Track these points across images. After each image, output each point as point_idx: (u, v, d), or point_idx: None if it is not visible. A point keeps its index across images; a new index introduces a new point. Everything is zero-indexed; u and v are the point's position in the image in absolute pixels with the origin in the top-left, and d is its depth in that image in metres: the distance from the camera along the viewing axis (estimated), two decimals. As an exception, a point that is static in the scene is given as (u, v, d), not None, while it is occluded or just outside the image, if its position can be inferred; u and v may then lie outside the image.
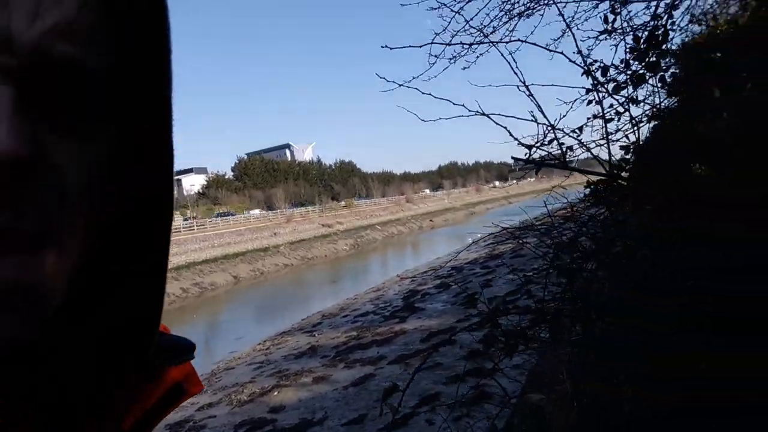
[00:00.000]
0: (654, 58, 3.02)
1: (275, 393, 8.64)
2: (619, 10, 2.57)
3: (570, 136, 2.49)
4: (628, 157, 4.17)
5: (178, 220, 52.59)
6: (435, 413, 6.39)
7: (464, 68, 3.32)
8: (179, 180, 78.35)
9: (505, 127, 2.44)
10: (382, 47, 2.88)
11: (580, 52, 2.48)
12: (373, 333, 11.55)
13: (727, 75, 2.56)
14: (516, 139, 2.46)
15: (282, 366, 10.31)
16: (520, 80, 2.44)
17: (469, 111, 2.49)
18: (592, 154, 2.71)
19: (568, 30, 2.68)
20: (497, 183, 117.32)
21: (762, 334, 1.65)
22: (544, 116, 2.46)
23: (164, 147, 0.33)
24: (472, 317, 11.06)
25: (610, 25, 2.57)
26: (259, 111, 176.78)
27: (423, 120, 2.74)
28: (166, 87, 0.32)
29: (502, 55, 2.50)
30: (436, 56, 3.18)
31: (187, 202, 63.71)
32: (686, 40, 3.86)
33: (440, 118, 2.71)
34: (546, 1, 3.14)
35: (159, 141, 0.33)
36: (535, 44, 2.79)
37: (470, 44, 3.23)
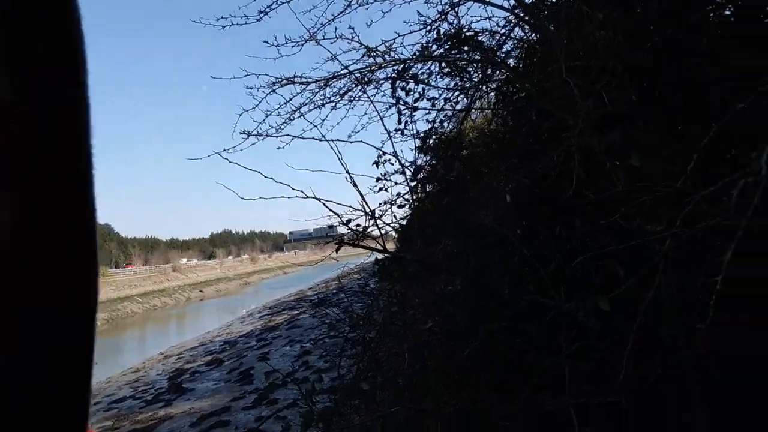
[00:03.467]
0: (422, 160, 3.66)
1: None
2: (406, 116, 3.09)
3: (366, 217, 2.81)
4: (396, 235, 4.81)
5: None
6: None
7: (279, 148, 3.51)
8: None
9: (334, 212, 2.66)
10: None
11: (374, 146, 2.89)
12: (132, 421, 10.20)
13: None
14: (343, 222, 2.68)
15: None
16: (344, 169, 2.72)
17: (301, 194, 2.65)
18: (380, 232, 3.09)
19: (367, 124, 3.11)
20: (280, 252, 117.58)
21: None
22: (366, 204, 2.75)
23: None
24: (249, 394, 10.70)
25: (403, 126, 3.05)
26: None
27: (243, 198, 2.80)
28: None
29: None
30: (247, 133, 3.31)
31: None
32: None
33: (261, 197, 2.81)
34: (351, 96, 3.56)
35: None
36: (335, 140, 3.13)
37: (263, 135, 3.47)
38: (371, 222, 2.89)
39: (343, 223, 2.80)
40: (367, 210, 2.90)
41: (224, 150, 3.21)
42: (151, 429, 9.54)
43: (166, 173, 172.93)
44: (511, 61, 3.11)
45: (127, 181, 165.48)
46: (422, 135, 3.20)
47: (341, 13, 3.41)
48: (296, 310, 25.19)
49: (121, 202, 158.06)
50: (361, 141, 3.13)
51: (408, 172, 3.07)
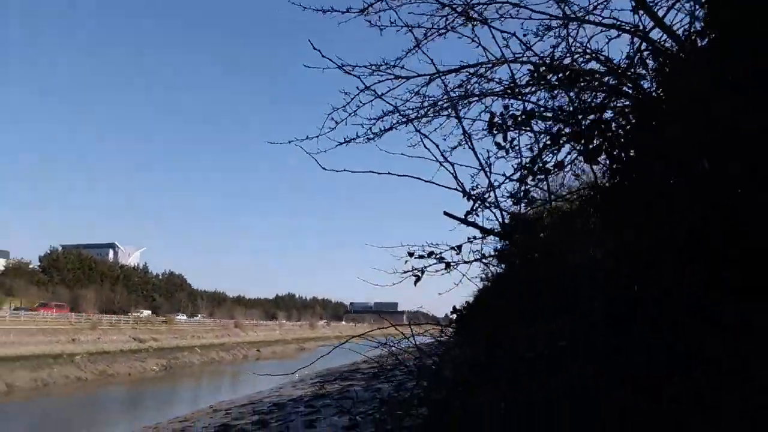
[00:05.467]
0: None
1: None
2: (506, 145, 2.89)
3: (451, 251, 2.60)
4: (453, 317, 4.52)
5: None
6: None
7: (369, 139, 3.41)
8: (-30, 259, 66.34)
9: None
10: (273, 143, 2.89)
11: (458, 180, 2.72)
12: (171, 471, 9.95)
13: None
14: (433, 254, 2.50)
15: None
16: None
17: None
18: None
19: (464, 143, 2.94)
20: (343, 321, 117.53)
21: None
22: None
23: None
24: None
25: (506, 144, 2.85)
26: (88, 201, 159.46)
27: (324, 168, 2.73)
28: None
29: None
30: (335, 121, 3.27)
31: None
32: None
33: (345, 170, 2.73)
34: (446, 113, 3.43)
35: None
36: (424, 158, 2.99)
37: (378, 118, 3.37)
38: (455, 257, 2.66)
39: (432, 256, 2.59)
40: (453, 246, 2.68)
41: (317, 151, 3.14)
42: (188, 482, 9.22)
43: (240, 229, 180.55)
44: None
45: (202, 232, 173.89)
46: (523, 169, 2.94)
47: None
48: (348, 380, 24.49)
49: (194, 253, 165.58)
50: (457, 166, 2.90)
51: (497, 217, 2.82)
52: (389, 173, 2.81)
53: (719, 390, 1.83)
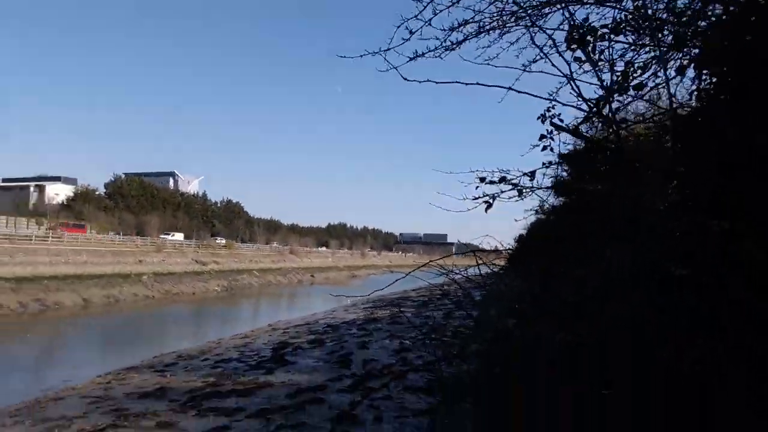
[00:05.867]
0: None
1: (109, 434, 7.48)
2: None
3: (524, 177, 2.41)
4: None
5: (32, 229, 46.81)
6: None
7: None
8: (42, 186, 70.76)
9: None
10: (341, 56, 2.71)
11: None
12: (234, 382, 10.62)
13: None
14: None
15: (122, 404, 9.03)
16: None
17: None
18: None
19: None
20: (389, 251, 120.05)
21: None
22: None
23: None
24: (345, 378, 10.65)
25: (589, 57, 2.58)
26: (152, 130, 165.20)
27: (405, 79, 2.57)
28: None
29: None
30: (410, 32, 3.04)
31: (47, 211, 57.22)
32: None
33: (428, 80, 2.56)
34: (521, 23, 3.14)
35: None
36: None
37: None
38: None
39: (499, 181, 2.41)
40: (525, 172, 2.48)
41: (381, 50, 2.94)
42: (251, 392, 9.81)
43: (298, 156, 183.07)
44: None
45: (262, 160, 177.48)
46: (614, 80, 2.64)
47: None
48: (398, 307, 25.14)
49: (253, 182, 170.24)
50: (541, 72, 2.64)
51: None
52: (477, 83, 2.58)
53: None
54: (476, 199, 2.74)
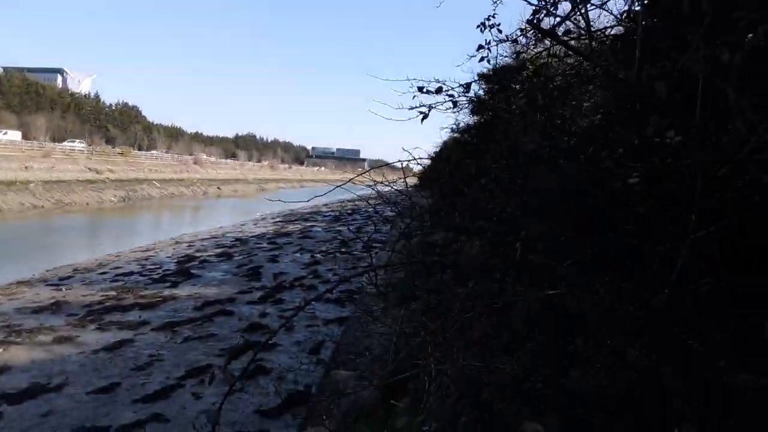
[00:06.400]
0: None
1: (0, 350, 7.06)
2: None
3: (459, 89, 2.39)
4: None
5: None
6: (203, 386, 5.87)
7: None
8: None
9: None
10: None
11: None
12: (136, 295, 10.31)
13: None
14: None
15: (13, 320, 8.50)
16: None
17: None
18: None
19: None
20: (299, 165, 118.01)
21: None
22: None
23: None
24: (255, 290, 10.69)
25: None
26: (37, 18, 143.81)
27: None
28: None
29: None
30: None
31: None
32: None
33: None
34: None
35: None
36: None
37: None
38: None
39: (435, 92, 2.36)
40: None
41: None
42: (155, 305, 9.62)
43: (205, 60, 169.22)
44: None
45: (161, 56, 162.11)
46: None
47: None
48: (310, 222, 25.24)
49: (154, 85, 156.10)
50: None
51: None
52: None
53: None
54: (413, 108, 2.70)
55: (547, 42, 2.91)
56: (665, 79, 1.65)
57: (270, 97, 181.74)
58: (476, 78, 2.73)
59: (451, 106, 2.67)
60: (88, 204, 34.88)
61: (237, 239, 18.93)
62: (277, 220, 26.65)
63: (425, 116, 2.68)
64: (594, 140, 2.45)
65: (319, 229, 22.27)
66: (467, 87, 2.63)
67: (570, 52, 3.44)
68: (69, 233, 24.05)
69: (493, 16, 2.69)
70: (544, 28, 2.67)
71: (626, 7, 2.32)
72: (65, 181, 37.22)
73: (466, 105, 2.74)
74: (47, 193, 33.34)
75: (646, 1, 2.16)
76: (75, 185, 37.46)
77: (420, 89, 2.56)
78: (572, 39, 3.05)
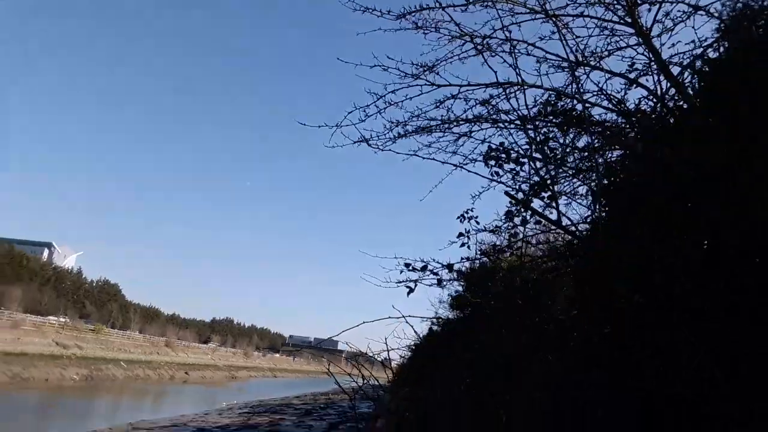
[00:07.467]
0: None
1: None
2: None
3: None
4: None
5: None
6: None
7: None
8: None
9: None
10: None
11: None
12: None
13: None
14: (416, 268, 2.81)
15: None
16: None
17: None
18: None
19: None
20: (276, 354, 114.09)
21: None
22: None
23: None
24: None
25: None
26: (29, 199, 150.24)
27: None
28: None
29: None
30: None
31: None
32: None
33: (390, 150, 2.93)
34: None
35: None
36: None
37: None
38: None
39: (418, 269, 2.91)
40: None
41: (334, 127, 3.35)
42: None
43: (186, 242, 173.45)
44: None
45: (152, 240, 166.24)
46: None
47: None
48: (279, 414, 23.87)
49: (133, 265, 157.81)
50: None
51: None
52: (433, 158, 3.11)
53: None
54: (399, 282, 3.19)
55: (520, 232, 3.51)
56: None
57: (250, 283, 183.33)
58: (461, 259, 3.31)
59: (436, 283, 3.20)
60: (47, 380, 33.00)
61: (199, 429, 17.80)
62: (245, 410, 25.18)
63: (411, 290, 3.18)
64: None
65: (289, 423, 21.01)
66: (450, 267, 3.20)
67: (544, 253, 4.10)
68: (15, 414, 22.41)
69: (472, 210, 3.35)
70: (517, 223, 3.33)
71: (588, 213, 3.02)
72: (27, 354, 35.65)
73: (449, 283, 3.27)
74: (4, 366, 31.69)
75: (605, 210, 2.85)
76: (37, 359, 35.82)
77: (407, 265, 3.11)
78: (542, 232, 3.72)
